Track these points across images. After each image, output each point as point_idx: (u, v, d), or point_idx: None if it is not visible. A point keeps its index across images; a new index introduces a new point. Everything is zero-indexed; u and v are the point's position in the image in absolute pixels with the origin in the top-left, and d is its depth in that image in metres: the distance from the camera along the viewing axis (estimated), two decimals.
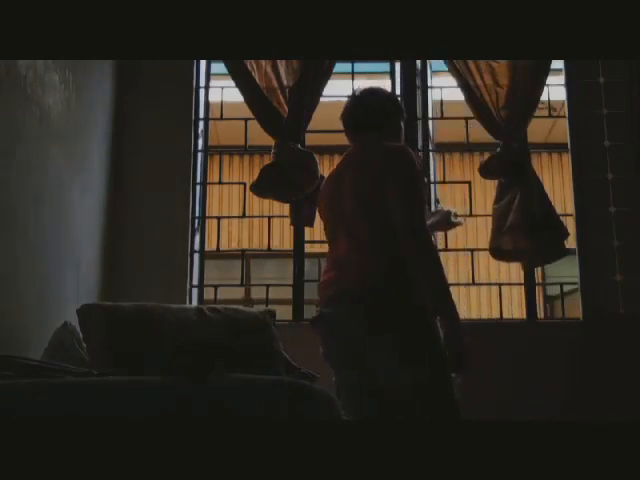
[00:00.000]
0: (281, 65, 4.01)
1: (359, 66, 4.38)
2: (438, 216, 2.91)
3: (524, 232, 3.77)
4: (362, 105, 2.69)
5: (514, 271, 5.64)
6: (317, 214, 3.91)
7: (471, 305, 6.77)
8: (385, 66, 4.42)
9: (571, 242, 3.90)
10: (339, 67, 4.13)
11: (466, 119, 4.17)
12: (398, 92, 4.26)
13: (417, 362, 2.34)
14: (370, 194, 2.47)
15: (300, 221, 4.03)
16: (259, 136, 4.09)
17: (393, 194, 2.41)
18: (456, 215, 2.92)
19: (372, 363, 2.39)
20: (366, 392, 2.44)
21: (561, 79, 4.23)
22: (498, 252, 3.90)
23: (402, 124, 2.70)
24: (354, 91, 2.78)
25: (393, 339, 2.35)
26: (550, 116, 4.40)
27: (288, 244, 5.00)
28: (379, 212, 2.46)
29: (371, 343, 2.38)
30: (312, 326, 2.55)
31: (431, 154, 4.24)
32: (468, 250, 4.36)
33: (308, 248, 4.24)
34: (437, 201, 4.18)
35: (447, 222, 2.91)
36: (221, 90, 4.37)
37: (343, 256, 2.52)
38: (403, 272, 2.41)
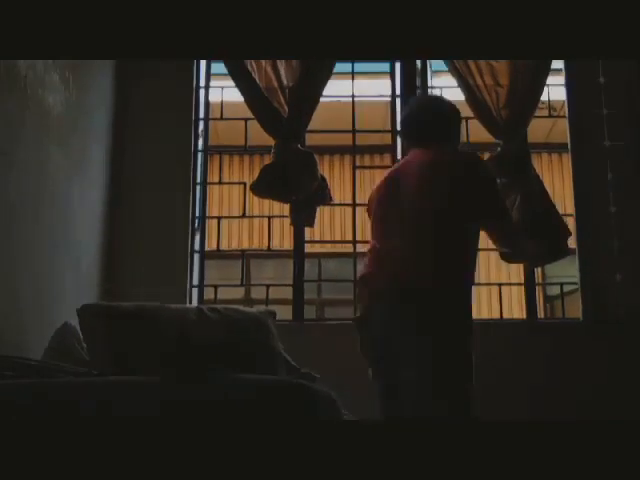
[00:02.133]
0: (281, 65, 4.00)
1: (359, 66, 4.38)
2: None
3: (526, 232, 3.77)
4: (434, 114, 2.82)
5: (514, 271, 5.64)
6: (316, 215, 3.95)
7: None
8: (385, 66, 4.42)
9: (571, 242, 3.90)
10: (339, 67, 4.12)
11: (466, 119, 4.16)
12: (398, 92, 4.26)
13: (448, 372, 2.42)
14: (443, 195, 2.56)
15: (300, 221, 4.02)
16: (259, 136, 4.08)
17: (480, 195, 2.60)
18: None
19: (405, 363, 2.43)
20: (397, 393, 2.48)
21: (561, 79, 4.22)
22: (502, 254, 3.90)
23: (460, 131, 2.90)
24: (420, 99, 2.91)
25: (433, 343, 2.41)
26: (550, 116, 4.40)
27: (288, 244, 4.99)
28: (454, 213, 2.56)
29: (408, 343, 2.43)
30: (356, 324, 2.63)
31: None
32: None
33: (308, 248, 4.24)
34: None
35: None
36: (221, 90, 4.37)
37: (400, 250, 2.57)
38: (460, 275, 2.51)
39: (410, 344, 2.45)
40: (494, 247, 3.89)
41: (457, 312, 2.53)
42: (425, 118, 2.80)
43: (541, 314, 5.89)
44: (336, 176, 7.32)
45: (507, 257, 3.90)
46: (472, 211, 2.60)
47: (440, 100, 3.01)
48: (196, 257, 4.12)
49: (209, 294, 4.15)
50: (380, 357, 2.57)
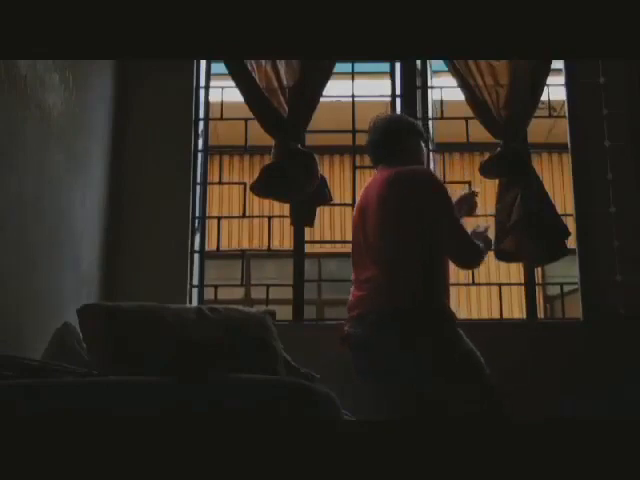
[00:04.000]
0: (281, 65, 4.00)
1: (359, 66, 4.37)
2: (463, 204, 3.05)
3: (525, 232, 3.78)
4: (379, 134, 2.87)
5: (514, 271, 5.65)
6: (316, 215, 3.96)
7: (471, 305, 6.78)
8: (385, 66, 4.42)
9: (571, 242, 3.90)
10: (339, 67, 4.13)
11: (466, 119, 4.18)
12: (398, 92, 4.26)
13: (451, 379, 2.45)
14: (396, 215, 2.61)
15: (300, 221, 4.03)
16: (259, 136, 4.09)
17: (429, 211, 2.60)
18: (473, 192, 3.12)
19: (404, 379, 2.46)
20: (397, 407, 2.51)
21: (561, 79, 4.22)
22: (500, 254, 3.91)
23: (421, 144, 2.88)
24: (372, 121, 2.93)
25: (424, 357, 2.44)
26: (550, 116, 4.40)
27: (288, 244, 5.00)
28: (403, 233, 2.59)
29: (402, 360, 2.46)
30: (342, 344, 2.70)
31: (431, 154, 4.24)
32: None
33: (308, 248, 4.24)
34: None
35: (470, 203, 3.08)
36: (221, 90, 4.37)
37: (371, 277, 2.64)
38: (432, 290, 2.54)
39: (395, 360, 2.51)
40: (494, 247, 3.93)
41: (439, 325, 2.57)
42: (378, 139, 2.86)
43: (541, 314, 5.90)
44: (336, 176, 7.33)
45: (503, 256, 3.92)
46: (428, 227, 2.63)
47: (394, 119, 3.08)
48: (196, 257, 4.12)
49: (209, 294, 4.16)
50: (365, 371, 2.64)
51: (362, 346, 2.60)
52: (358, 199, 2.87)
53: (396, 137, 2.84)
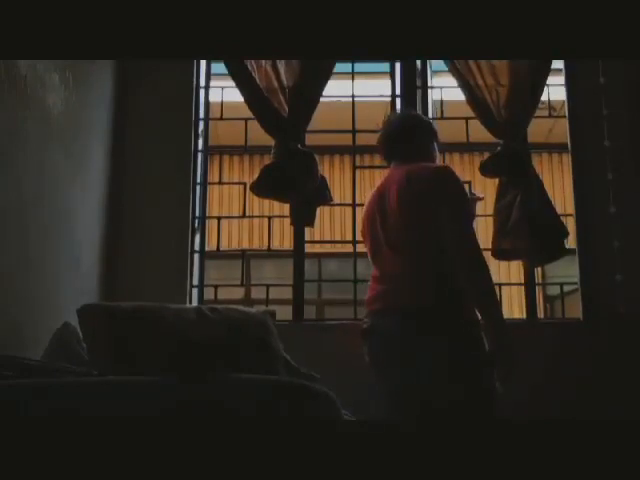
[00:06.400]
0: (281, 65, 4.01)
1: (359, 66, 4.38)
2: None
3: (525, 232, 3.78)
4: (394, 129, 2.84)
5: (514, 271, 5.65)
6: (317, 215, 3.96)
7: None
8: (385, 66, 4.43)
9: (571, 242, 3.91)
10: (339, 67, 4.13)
11: (466, 119, 4.18)
12: (398, 92, 4.27)
13: (465, 380, 2.44)
14: (417, 211, 2.58)
15: (300, 221, 4.03)
16: (259, 136, 4.09)
17: (443, 211, 2.53)
18: (478, 197, 3.13)
19: (421, 378, 2.45)
20: (410, 404, 2.50)
21: (561, 79, 4.23)
22: (500, 253, 3.91)
23: (435, 145, 2.86)
24: (386, 116, 2.93)
25: (441, 355, 2.42)
26: (550, 116, 4.41)
27: (288, 244, 5.00)
28: (425, 229, 2.56)
29: (420, 358, 2.44)
30: (362, 337, 2.67)
31: None
32: None
33: (308, 248, 4.24)
34: None
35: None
36: (221, 90, 4.37)
37: (390, 272, 2.62)
38: (451, 287, 2.51)
39: (411, 355, 2.48)
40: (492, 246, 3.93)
41: (452, 325, 2.52)
42: (393, 134, 2.84)
43: (541, 314, 5.91)
44: (336, 176, 7.34)
45: (503, 255, 3.92)
46: (440, 229, 2.56)
47: (411, 115, 3.06)
48: (196, 257, 4.13)
49: (209, 294, 4.16)
50: (382, 365, 2.60)
51: (382, 341, 2.58)
52: (371, 194, 2.82)
53: (412, 134, 2.81)
